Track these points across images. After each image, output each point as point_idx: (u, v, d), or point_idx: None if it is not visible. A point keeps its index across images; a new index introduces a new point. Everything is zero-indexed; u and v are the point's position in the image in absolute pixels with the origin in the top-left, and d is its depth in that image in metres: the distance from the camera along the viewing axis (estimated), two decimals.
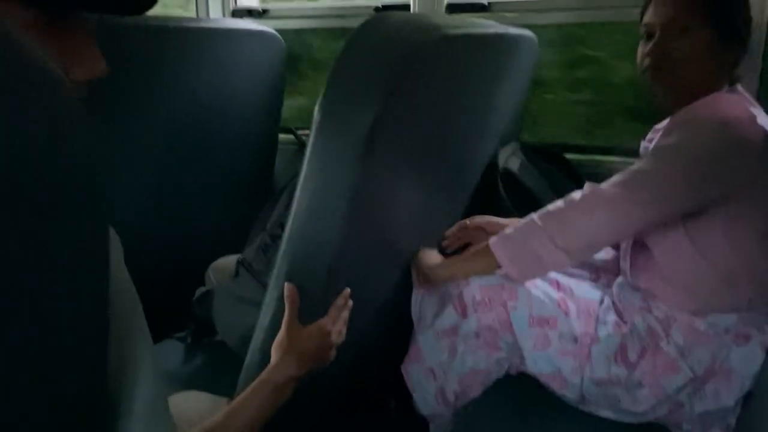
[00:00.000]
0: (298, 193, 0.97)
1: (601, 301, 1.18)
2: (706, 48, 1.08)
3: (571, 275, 1.22)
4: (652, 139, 1.19)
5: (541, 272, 1.11)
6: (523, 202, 1.50)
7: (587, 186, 1.12)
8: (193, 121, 1.56)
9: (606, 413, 1.12)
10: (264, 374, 0.89)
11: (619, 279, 1.22)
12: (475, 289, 1.14)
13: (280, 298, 0.98)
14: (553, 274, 1.19)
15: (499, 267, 1.11)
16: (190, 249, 1.62)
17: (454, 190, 1.44)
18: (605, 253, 1.30)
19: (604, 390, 1.11)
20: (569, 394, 1.14)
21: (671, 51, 1.09)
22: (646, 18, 1.13)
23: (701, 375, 1.06)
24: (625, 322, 1.13)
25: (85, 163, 0.35)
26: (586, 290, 1.19)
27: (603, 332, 1.12)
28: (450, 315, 1.16)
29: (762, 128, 1.01)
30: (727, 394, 1.06)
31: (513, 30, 1.34)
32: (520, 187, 1.58)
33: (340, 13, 2.04)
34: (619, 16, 1.66)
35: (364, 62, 0.93)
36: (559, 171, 1.68)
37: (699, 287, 1.07)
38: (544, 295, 1.14)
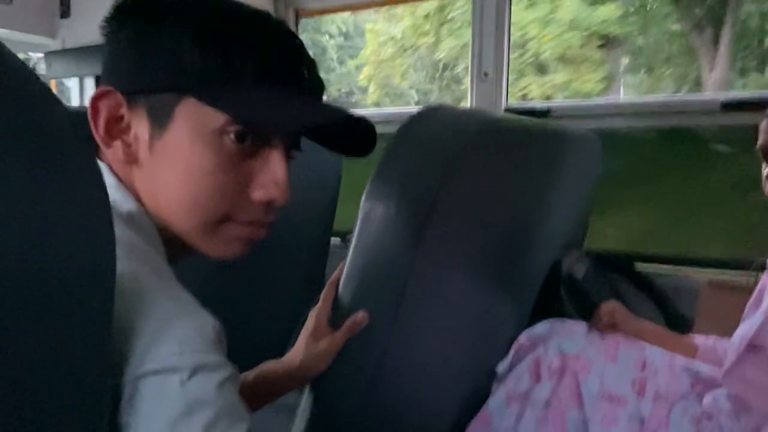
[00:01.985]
0: (340, 292, 0.91)
1: (685, 395, 1.06)
2: None
3: (672, 374, 1.10)
4: None
5: None
6: (587, 310, 1.40)
7: None
8: None
9: None
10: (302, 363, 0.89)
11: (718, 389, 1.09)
12: (552, 356, 1.11)
13: (315, 403, 0.90)
14: (644, 354, 1.12)
15: None
16: (236, 352, 1.56)
17: (514, 294, 1.35)
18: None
19: None
20: None
21: None
22: (761, 141, 1.10)
23: None
24: (707, 418, 1.02)
25: None
26: (671, 380, 1.08)
27: (676, 420, 1.02)
28: (523, 378, 1.11)
29: None
30: None
31: (574, 129, 1.30)
32: (583, 296, 1.49)
33: None
34: (684, 121, 1.62)
35: (416, 151, 0.89)
36: (626, 280, 1.58)
37: None
38: (621, 373, 1.08)
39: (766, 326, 1.02)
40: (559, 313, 1.36)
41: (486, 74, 1.81)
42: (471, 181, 0.92)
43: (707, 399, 1.07)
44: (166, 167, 0.62)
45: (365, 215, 0.88)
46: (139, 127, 0.62)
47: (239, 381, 0.56)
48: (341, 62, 7.29)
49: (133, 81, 0.62)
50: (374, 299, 0.88)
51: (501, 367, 1.18)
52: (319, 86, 0.69)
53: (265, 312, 1.67)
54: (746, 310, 1.13)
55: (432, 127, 0.91)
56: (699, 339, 1.24)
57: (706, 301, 1.51)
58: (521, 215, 1.21)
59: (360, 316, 0.89)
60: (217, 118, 0.60)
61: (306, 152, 1.40)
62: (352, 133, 0.70)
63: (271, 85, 0.62)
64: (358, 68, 6.65)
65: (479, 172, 0.94)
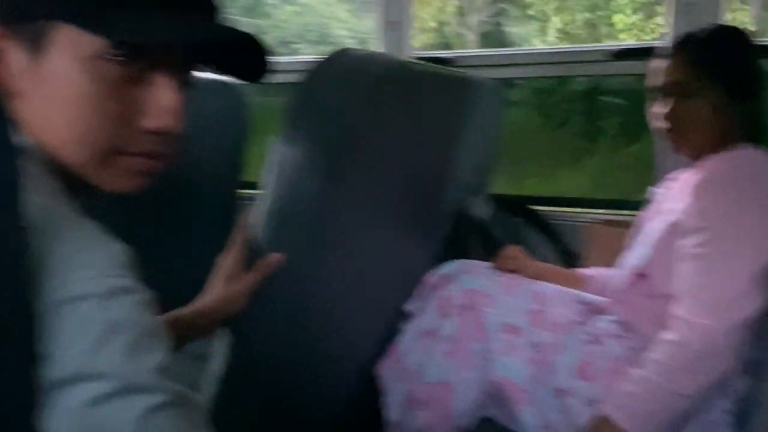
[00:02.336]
0: (254, 234, 0.92)
1: (576, 322, 1.15)
2: (717, 106, 1.12)
3: (563, 304, 1.18)
4: (668, 191, 1.19)
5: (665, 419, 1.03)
6: (492, 252, 1.47)
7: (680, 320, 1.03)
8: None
9: None
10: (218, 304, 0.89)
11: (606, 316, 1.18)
12: (458, 294, 1.15)
13: (232, 345, 0.91)
14: (540, 286, 1.19)
15: None
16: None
17: (425, 236, 1.39)
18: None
19: (563, 401, 1.07)
20: (528, 408, 1.09)
21: (681, 114, 1.14)
22: (652, 81, 1.16)
23: None
24: (596, 342, 1.11)
25: None
26: (564, 309, 1.17)
27: (568, 344, 1.11)
28: (431, 316, 1.15)
29: None
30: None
31: (477, 77, 1.34)
32: (487, 239, 1.55)
33: None
34: (580, 70, 1.70)
35: (328, 93, 0.89)
36: (527, 222, 1.67)
37: None
38: (519, 305, 1.14)
39: (652, 257, 1.11)
40: (466, 254, 1.41)
41: (393, 22, 1.83)
42: (382, 122, 0.94)
43: (596, 325, 1.17)
44: (48, 98, 0.59)
45: (278, 158, 0.88)
46: (17, 57, 0.59)
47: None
48: (278, 8, 6.96)
49: (7, 10, 0.59)
50: (290, 240, 0.89)
51: (411, 306, 1.22)
52: (208, 6, 0.64)
53: (176, 258, 1.64)
54: (629, 240, 1.23)
55: (342, 70, 0.91)
56: (587, 271, 1.34)
57: (598, 239, 1.63)
58: (430, 159, 1.25)
59: (275, 257, 0.90)
60: (93, 42, 0.57)
61: (209, 97, 1.37)
62: (244, 55, 0.66)
63: (150, 6, 0.59)
64: (298, 14, 6.38)
65: (389, 113, 0.96)
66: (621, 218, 1.66)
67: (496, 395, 1.13)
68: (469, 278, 1.20)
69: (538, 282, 1.23)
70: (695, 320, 0.98)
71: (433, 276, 1.25)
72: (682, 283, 1.02)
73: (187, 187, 1.63)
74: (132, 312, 0.51)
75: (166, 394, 0.51)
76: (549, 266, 1.38)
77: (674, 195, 1.17)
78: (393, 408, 1.16)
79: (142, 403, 0.50)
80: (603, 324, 1.15)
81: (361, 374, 1.17)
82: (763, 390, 1.02)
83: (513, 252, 1.38)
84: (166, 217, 1.61)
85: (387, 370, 1.17)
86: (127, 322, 0.50)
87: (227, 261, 0.91)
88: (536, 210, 1.69)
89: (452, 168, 1.39)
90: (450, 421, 1.14)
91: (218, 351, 0.95)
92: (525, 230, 1.65)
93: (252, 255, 0.91)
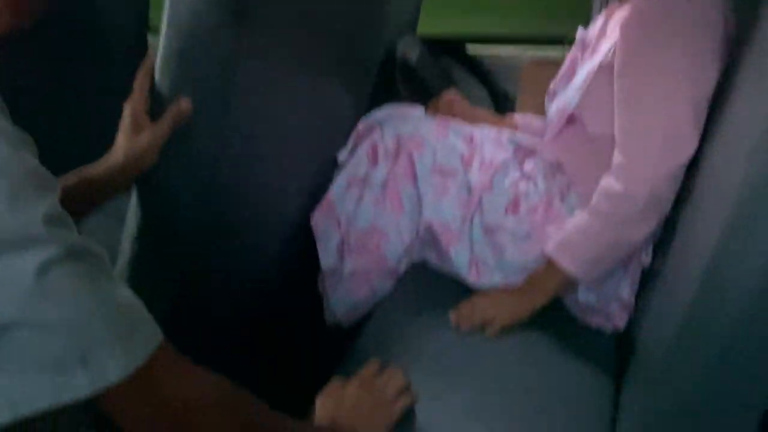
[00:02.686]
0: (157, 80, 0.83)
1: (507, 162, 1.16)
2: None
3: (496, 146, 1.18)
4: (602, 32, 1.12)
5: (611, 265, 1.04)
6: (422, 95, 1.43)
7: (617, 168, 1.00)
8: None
9: (495, 276, 1.10)
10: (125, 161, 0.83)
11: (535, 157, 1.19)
12: (388, 139, 1.14)
13: (146, 203, 0.85)
14: (472, 129, 1.18)
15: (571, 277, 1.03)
16: (53, 156, 1.44)
17: (350, 81, 1.33)
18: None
19: (491, 238, 1.10)
20: (460, 250, 1.12)
21: None
22: None
23: None
24: (525, 180, 1.13)
25: None
26: (496, 151, 1.17)
27: (498, 184, 1.12)
28: (361, 163, 1.15)
29: None
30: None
31: None
32: (417, 81, 1.51)
33: None
34: None
35: None
36: (457, 63, 1.62)
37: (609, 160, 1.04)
38: (451, 148, 1.14)
39: (582, 99, 1.09)
40: (397, 99, 1.37)
41: None
42: None
43: (527, 164, 1.17)
44: None
45: None
46: None
47: (59, 190, 0.51)
48: None
49: None
50: (198, 87, 0.81)
51: (342, 155, 1.20)
52: None
53: (83, 110, 1.53)
54: (558, 81, 1.19)
55: None
56: (519, 117, 1.33)
57: (528, 78, 1.60)
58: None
59: (183, 104, 0.82)
60: None
61: None
62: None
63: None
64: None
65: None
66: (553, 55, 1.63)
67: (427, 238, 1.15)
68: (400, 123, 1.17)
69: (471, 125, 1.20)
70: (638, 170, 0.97)
71: (363, 123, 1.21)
72: (620, 129, 1.01)
73: (91, 34, 1.49)
74: (6, 156, 0.45)
75: (59, 247, 0.47)
76: (484, 111, 1.36)
77: (605, 33, 1.12)
78: (327, 256, 1.17)
79: (33, 257, 0.45)
80: (534, 164, 1.16)
81: (294, 225, 1.16)
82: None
83: (449, 96, 1.34)
84: (71, 67, 1.47)
85: (320, 219, 1.17)
86: (2, 168, 0.45)
87: (131, 109, 0.83)
88: (467, 50, 1.63)
89: (376, 6, 1.30)
90: (383, 266, 1.16)
91: (135, 209, 0.90)
92: (457, 72, 1.61)
93: (157, 104, 0.83)
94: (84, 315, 0.48)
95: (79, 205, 0.81)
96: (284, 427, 0.68)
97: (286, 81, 0.98)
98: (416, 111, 1.23)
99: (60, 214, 0.50)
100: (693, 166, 0.95)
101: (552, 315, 1.05)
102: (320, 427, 0.77)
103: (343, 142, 1.22)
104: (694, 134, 0.94)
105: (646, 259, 1.06)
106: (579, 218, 1.02)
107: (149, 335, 0.54)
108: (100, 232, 1.10)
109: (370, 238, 1.16)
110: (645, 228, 0.99)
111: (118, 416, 0.53)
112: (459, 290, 1.11)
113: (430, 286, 1.14)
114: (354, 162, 1.17)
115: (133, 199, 0.91)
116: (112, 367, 0.49)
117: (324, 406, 0.79)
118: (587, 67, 1.09)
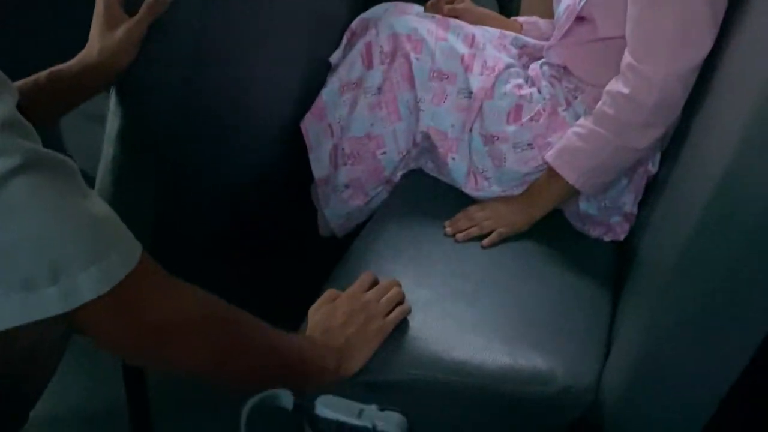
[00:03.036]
0: None
1: (510, 66, 1.10)
2: None
3: (498, 48, 1.13)
4: None
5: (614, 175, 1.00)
6: None
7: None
8: None
9: (494, 187, 1.07)
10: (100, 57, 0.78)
11: (542, 60, 1.13)
12: (383, 39, 1.08)
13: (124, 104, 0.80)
14: (473, 29, 1.12)
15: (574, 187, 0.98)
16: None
17: None
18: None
19: (491, 147, 1.06)
20: (458, 160, 1.08)
21: None
22: None
23: None
24: (529, 86, 1.08)
25: None
26: (498, 53, 1.11)
27: (500, 90, 1.06)
28: (355, 65, 1.10)
29: None
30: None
31: None
32: None
33: None
34: None
35: None
36: None
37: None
38: (450, 50, 1.07)
39: None
40: None
41: None
42: None
43: (531, 68, 1.11)
44: None
45: None
46: None
47: (16, 95, 0.46)
48: None
49: None
50: None
51: (334, 57, 1.14)
52: None
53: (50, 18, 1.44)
54: None
55: None
56: (525, 19, 1.25)
57: None
58: None
59: None
60: None
61: None
62: None
63: None
64: None
65: None
66: None
67: (425, 146, 1.11)
68: (396, 21, 1.09)
69: (473, 26, 1.13)
70: (648, 69, 0.90)
71: (358, 21, 1.14)
72: (632, 21, 0.93)
73: None
74: None
75: (15, 156, 0.43)
76: (487, 12, 1.27)
77: None
78: (319, 164, 1.14)
79: None
80: (539, 68, 1.10)
81: (285, 132, 1.12)
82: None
83: None
84: None
85: (311, 126, 1.12)
86: None
87: (104, 2, 0.77)
88: None
89: None
90: (378, 175, 1.13)
91: (114, 110, 0.84)
92: None
93: None
94: (49, 230, 0.45)
95: (54, 104, 0.76)
96: (278, 345, 0.67)
97: None
98: (414, 8, 1.16)
99: (17, 120, 0.45)
100: (706, 71, 0.89)
101: (550, 225, 1.03)
102: (312, 338, 0.75)
103: (337, 42, 1.16)
104: (710, 33, 0.88)
105: (653, 169, 1.02)
106: (582, 124, 0.98)
107: (127, 251, 0.51)
108: (80, 135, 1.06)
109: (364, 146, 1.12)
110: (651, 135, 0.94)
111: (94, 335, 0.51)
112: (456, 198, 1.08)
113: (426, 194, 1.11)
114: (347, 64, 1.11)
115: (113, 100, 0.85)
116: (85, 284, 0.46)
117: (316, 317, 0.78)
118: None
